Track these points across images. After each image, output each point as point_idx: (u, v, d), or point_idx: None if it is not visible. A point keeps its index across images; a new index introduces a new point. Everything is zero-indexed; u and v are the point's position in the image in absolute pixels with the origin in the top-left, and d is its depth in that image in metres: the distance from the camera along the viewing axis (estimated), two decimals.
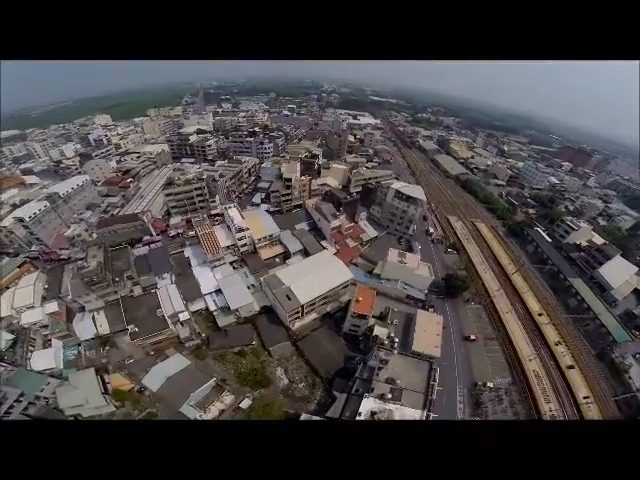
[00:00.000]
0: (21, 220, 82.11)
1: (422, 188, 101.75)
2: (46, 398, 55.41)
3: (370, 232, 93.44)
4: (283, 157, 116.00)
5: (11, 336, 63.48)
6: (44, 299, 66.74)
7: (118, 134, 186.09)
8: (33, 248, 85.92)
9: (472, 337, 68.75)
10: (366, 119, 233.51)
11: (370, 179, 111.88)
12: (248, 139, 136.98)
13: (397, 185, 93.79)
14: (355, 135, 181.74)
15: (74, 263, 71.85)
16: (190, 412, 52.47)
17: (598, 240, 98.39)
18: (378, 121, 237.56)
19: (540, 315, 75.36)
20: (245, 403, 55.44)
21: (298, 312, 65.29)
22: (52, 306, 64.34)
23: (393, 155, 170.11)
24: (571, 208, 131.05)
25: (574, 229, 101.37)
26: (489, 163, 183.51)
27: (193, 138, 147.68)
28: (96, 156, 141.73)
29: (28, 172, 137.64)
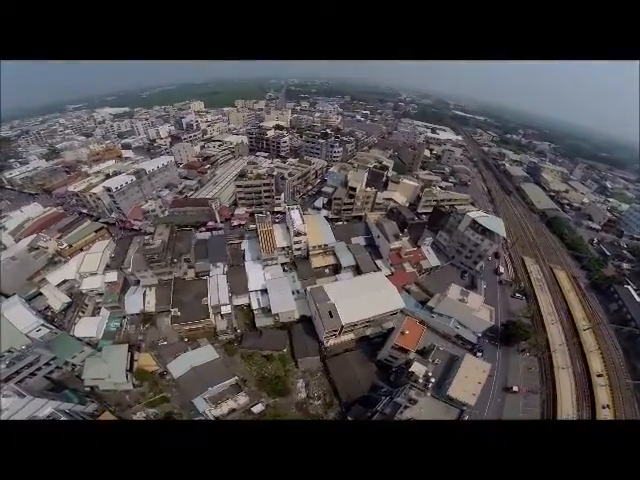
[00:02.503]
0: (109, 189, 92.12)
1: (502, 221, 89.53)
2: (74, 365, 58.69)
3: (432, 260, 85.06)
4: (351, 164, 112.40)
5: (68, 299, 69.08)
6: (107, 267, 71.81)
7: (207, 121, 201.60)
8: (112, 215, 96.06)
9: (514, 389, 61.76)
10: (446, 134, 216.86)
11: (442, 201, 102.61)
12: (320, 140, 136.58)
13: (474, 214, 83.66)
14: (431, 150, 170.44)
15: (142, 236, 77.22)
16: (201, 405, 52.26)
17: None
18: (460, 138, 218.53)
19: (599, 376, 66.32)
20: (257, 408, 54.38)
21: (336, 330, 62.04)
22: (112, 276, 68.83)
23: (472, 177, 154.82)
24: None
25: None
26: (585, 201, 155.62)
27: (271, 133, 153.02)
28: (184, 139, 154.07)
29: (127, 147, 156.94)
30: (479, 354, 64.52)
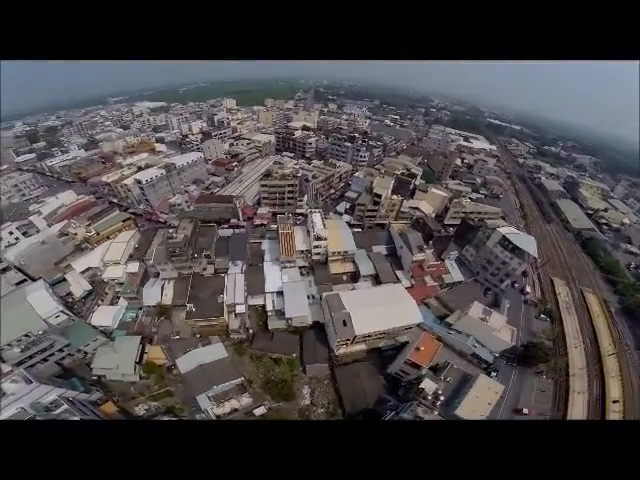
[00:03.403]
0: (139, 182, 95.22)
1: (534, 240, 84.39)
2: (86, 353, 59.04)
3: (455, 275, 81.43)
4: (378, 169, 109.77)
5: (89, 287, 70.12)
6: (130, 257, 72.44)
7: (237, 119, 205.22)
8: (140, 207, 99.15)
9: (524, 411, 59.93)
10: (480, 143, 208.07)
11: (472, 213, 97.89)
12: (346, 144, 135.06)
13: (505, 230, 79.21)
14: (463, 159, 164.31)
15: (166, 229, 78.50)
16: (204, 402, 52.05)
17: None
18: (494, 147, 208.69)
19: (615, 402, 63.46)
20: (259, 410, 54.00)
21: (348, 340, 60.74)
22: (134, 266, 69.25)
23: (505, 190, 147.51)
24: None
25: None
26: (626, 221, 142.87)
27: (298, 133, 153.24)
28: (215, 136, 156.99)
29: (160, 140, 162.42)
30: (494, 374, 62.46)
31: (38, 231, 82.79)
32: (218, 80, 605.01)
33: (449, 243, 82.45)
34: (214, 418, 52.48)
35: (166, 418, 49.82)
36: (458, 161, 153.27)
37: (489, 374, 61.04)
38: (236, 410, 53.50)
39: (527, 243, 77.49)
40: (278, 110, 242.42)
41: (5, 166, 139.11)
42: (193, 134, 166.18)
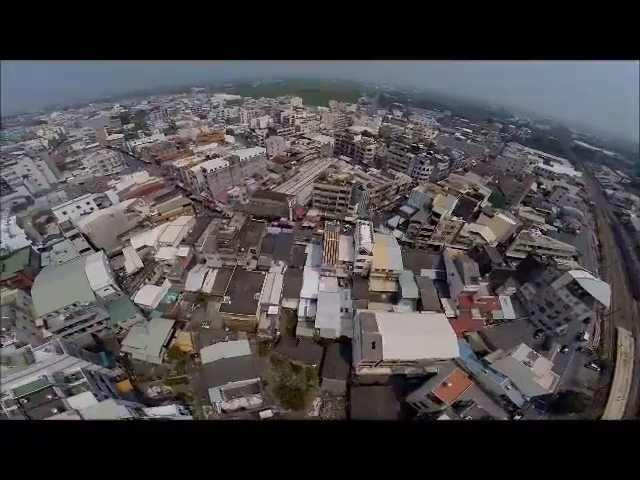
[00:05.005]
0: (204, 170, 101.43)
1: (609, 288, 72.37)
2: (121, 328, 61.59)
3: (506, 312, 72.95)
4: (441, 186, 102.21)
5: (141, 265, 73.51)
6: (183, 241, 75.28)
7: (302, 117, 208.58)
8: (202, 194, 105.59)
9: None
10: (562, 168, 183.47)
11: (540, 248, 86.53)
12: (408, 154, 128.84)
13: (577, 274, 68.83)
14: (540, 184, 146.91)
15: (220, 219, 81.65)
16: (215, 395, 52.31)
17: None
18: (578, 174, 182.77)
19: None
20: (266, 414, 53.29)
21: (373, 362, 57.56)
22: (184, 251, 71.62)
23: (584, 225, 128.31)
24: None
25: None
26: None
27: (357, 138, 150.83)
28: (279, 133, 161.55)
29: (230, 132, 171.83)
30: (517, 417, 57.75)
31: (111, 204, 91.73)
32: (290, 77, 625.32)
33: (508, 278, 73.58)
34: (219, 412, 53.26)
35: (171, 408, 49.57)
36: (534, 186, 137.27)
37: (511, 418, 56.87)
38: (243, 409, 53.50)
39: (600, 291, 67.94)
40: (341, 112, 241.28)
41: (97, 143, 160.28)
42: (260, 129, 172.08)
